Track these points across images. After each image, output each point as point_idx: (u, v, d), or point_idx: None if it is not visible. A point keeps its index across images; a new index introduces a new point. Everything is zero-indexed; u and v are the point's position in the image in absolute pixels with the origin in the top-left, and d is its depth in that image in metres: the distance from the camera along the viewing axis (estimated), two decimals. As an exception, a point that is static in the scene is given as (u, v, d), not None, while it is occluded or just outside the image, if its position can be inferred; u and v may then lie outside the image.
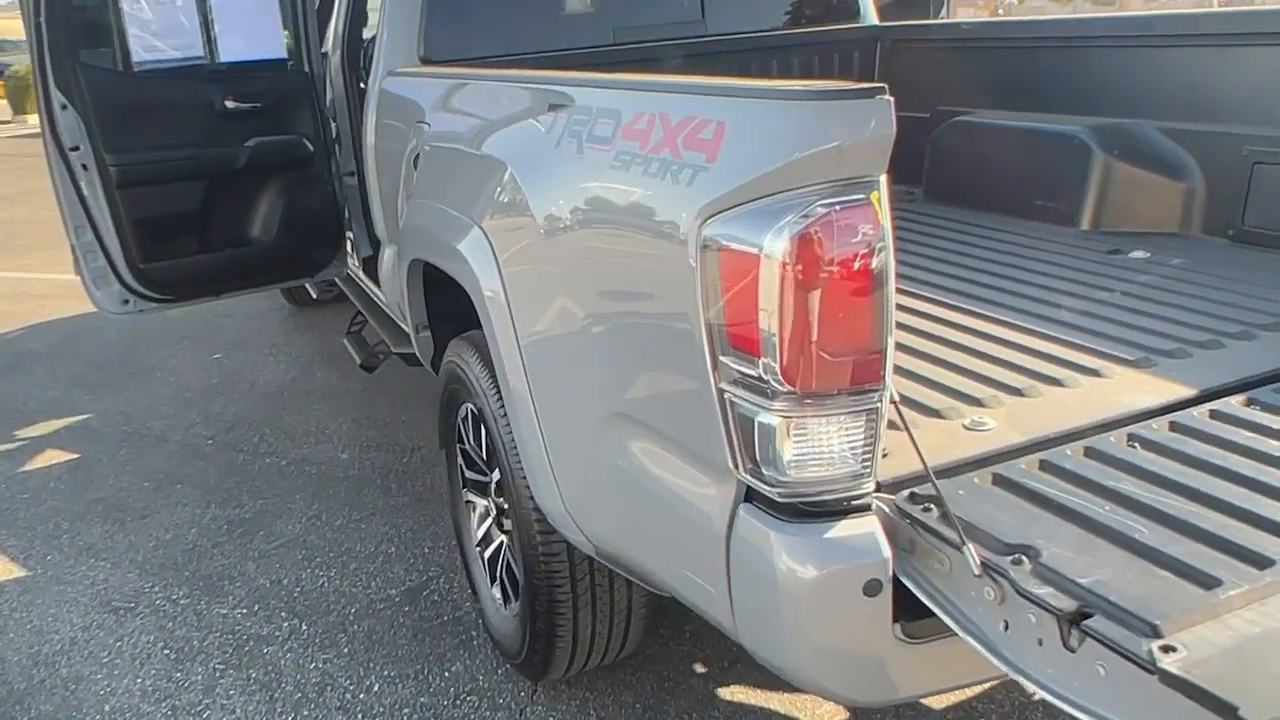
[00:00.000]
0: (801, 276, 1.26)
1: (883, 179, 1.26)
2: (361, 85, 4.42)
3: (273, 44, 3.95)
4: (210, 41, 3.84)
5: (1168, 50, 2.97)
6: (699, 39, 3.67)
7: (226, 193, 3.94)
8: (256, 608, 3.01)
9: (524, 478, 2.20)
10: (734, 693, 2.54)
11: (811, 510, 1.37)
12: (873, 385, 1.32)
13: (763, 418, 1.34)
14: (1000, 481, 1.48)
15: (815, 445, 1.34)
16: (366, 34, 4.20)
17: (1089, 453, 1.56)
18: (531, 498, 2.19)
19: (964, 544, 1.29)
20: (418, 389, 4.55)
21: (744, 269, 1.31)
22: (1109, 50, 3.18)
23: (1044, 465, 1.53)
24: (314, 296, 5.06)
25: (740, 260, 1.31)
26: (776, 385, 1.31)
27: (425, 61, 3.10)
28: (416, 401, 4.49)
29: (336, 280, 4.45)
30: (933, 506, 1.41)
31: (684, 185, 1.42)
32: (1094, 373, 1.86)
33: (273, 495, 3.72)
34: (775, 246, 1.27)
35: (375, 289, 4.02)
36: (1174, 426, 1.63)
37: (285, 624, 2.92)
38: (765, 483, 1.38)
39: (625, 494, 1.77)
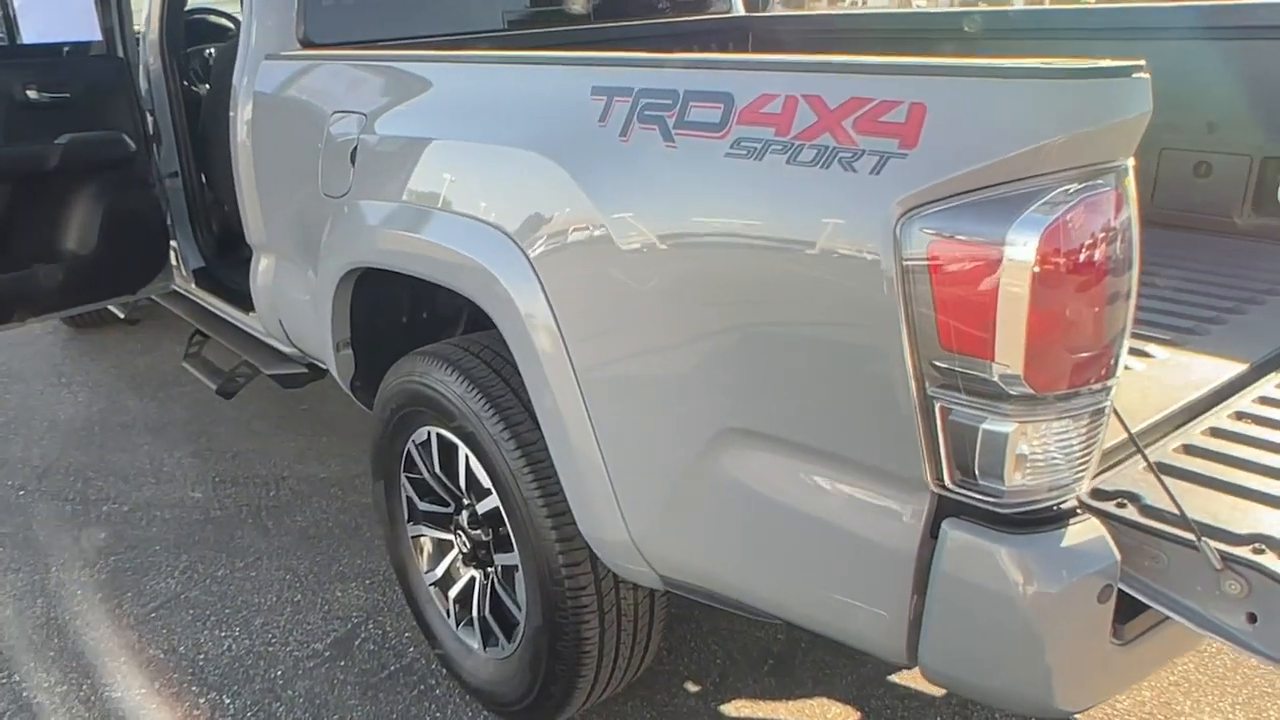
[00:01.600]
0: (1051, 270, 1.17)
1: (1130, 163, 1.19)
2: (188, 79, 3.91)
3: (84, 24, 3.40)
4: (9, 20, 3.25)
5: (1056, 43, 3.12)
6: (583, 28, 3.51)
7: (32, 199, 3.36)
8: (158, 685, 2.56)
9: (544, 507, 1.98)
10: (738, 708, 2.43)
11: (1029, 519, 1.29)
12: (1108, 381, 1.25)
13: (990, 424, 1.23)
14: (1164, 470, 1.46)
15: (1045, 449, 1.25)
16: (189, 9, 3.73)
17: (1214, 432, 1.57)
18: (556, 528, 1.98)
19: (1200, 539, 1.25)
20: (263, 412, 4.10)
21: (976, 264, 1.19)
22: (980, 42, 3.31)
23: (1186, 449, 1.53)
24: (122, 317, 4.41)
25: (971, 254, 1.20)
26: (1013, 388, 1.21)
27: (306, 45, 2.74)
28: (264, 426, 4.03)
29: (155, 297, 3.91)
30: (1126, 502, 1.36)
31: (866, 174, 1.29)
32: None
33: (126, 549, 3.20)
34: (1021, 239, 1.17)
35: (224, 305, 3.56)
36: (1262, 400, 1.68)
37: (202, 700, 2.50)
38: (981, 494, 1.28)
39: (738, 517, 1.61)
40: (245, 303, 3.42)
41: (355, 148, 2.26)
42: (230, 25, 4.67)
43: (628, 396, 1.69)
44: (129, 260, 3.61)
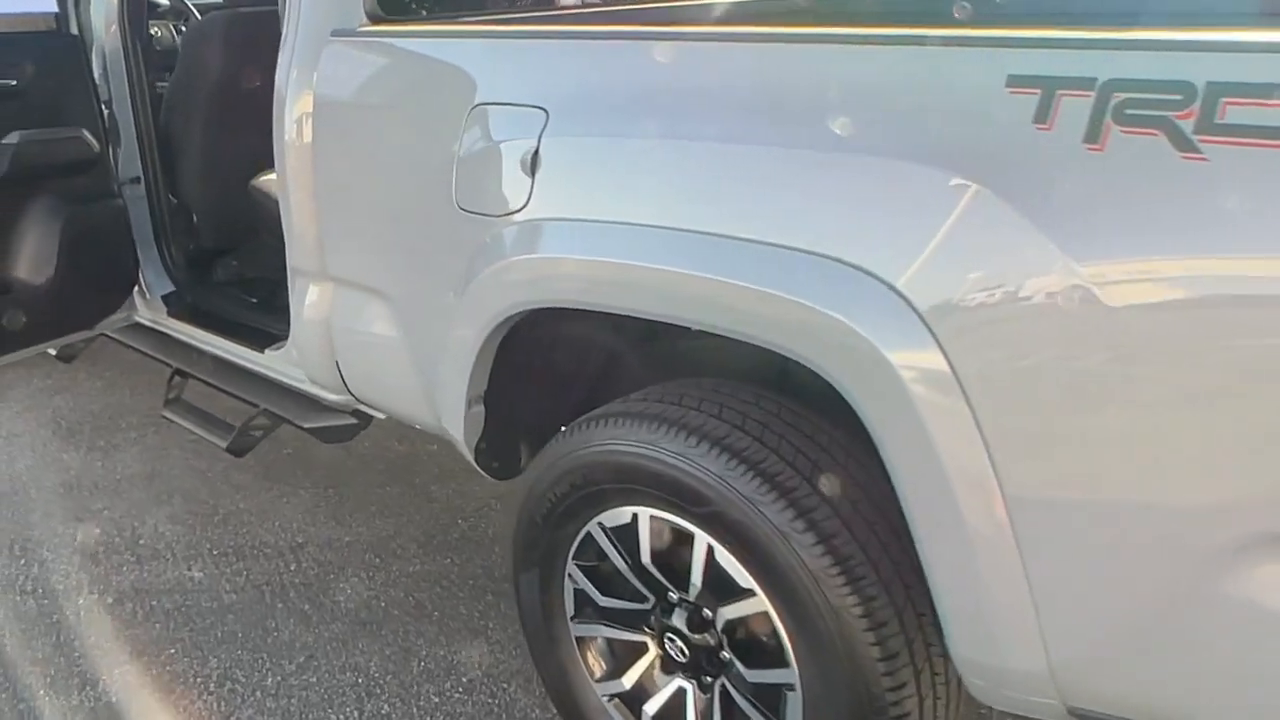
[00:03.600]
0: None
1: None
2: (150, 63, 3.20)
3: (36, -10, 2.68)
4: (-57, -15, 2.52)
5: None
6: None
7: (-27, 215, 2.63)
8: None
9: (863, 617, 1.55)
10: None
11: None
12: None
13: None
14: None
15: None
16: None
17: None
18: (878, 643, 1.55)
19: None
20: (237, 460, 3.40)
21: None
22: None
23: None
24: (53, 353, 3.59)
25: None
26: None
27: (378, 20, 2.17)
28: (247, 478, 3.36)
29: (111, 333, 3.19)
30: None
31: None
32: None
33: (131, 657, 2.54)
34: None
35: (215, 340, 2.91)
36: None
37: None
38: None
39: (1245, 642, 1.22)
40: (251, 337, 2.79)
41: (534, 152, 1.74)
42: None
43: (1095, 506, 1.27)
44: (91, 288, 2.90)
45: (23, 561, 2.95)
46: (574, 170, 1.72)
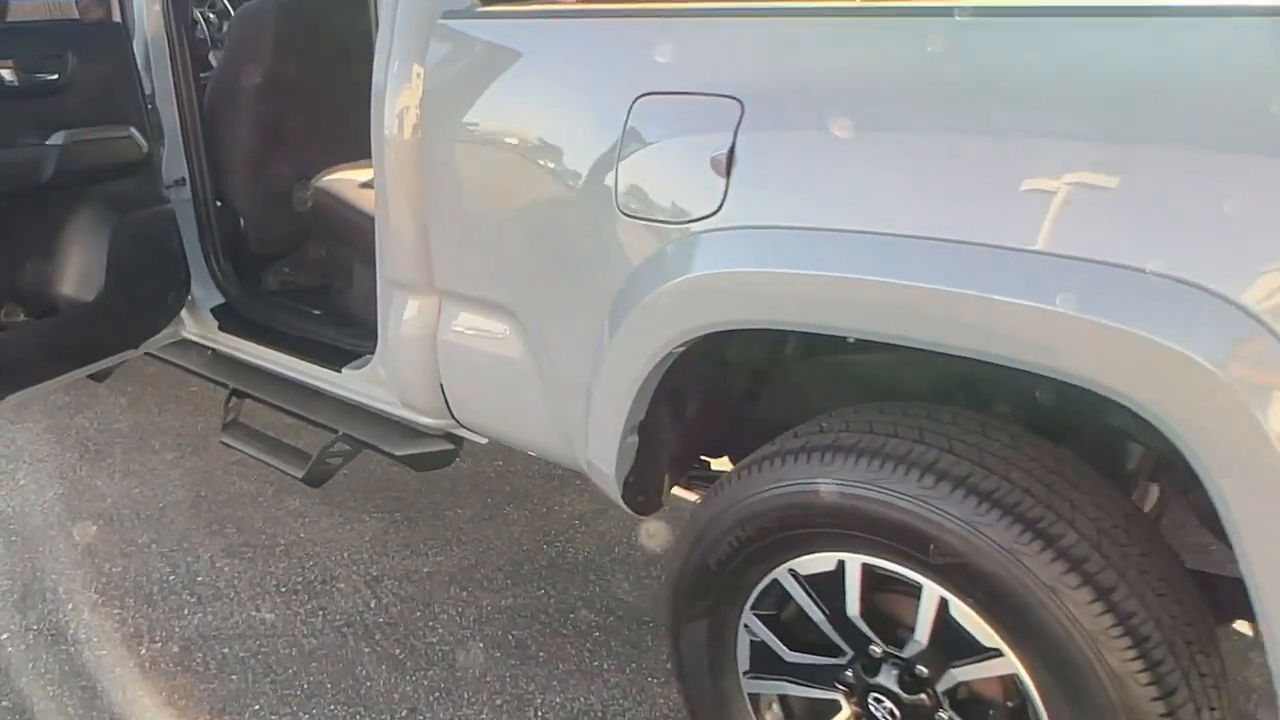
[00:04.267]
0: None
1: None
2: (197, 41, 2.93)
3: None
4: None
5: None
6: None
7: (15, 225, 2.36)
8: None
9: (1150, 683, 1.34)
10: None
11: None
12: None
13: None
14: None
15: None
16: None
17: None
18: (1169, 713, 1.34)
19: None
20: (283, 480, 3.11)
21: None
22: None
23: None
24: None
25: None
26: None
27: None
28: (301, 502, 3.10)
29: (155, 352, 2.92)
30: None
31: None
32: None
33: (210, 715, 2.28)
34: None
35: (280, 358, 2.65)
36: None
37: None
38: None
39: None
40: (322, 354, 2.54)
41: (730, 149, 1.50)
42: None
43: None
44: (141, 304, 2.63)
45: (70, 606, 2.68)
46: (786, 169, 1.48)
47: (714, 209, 1.52)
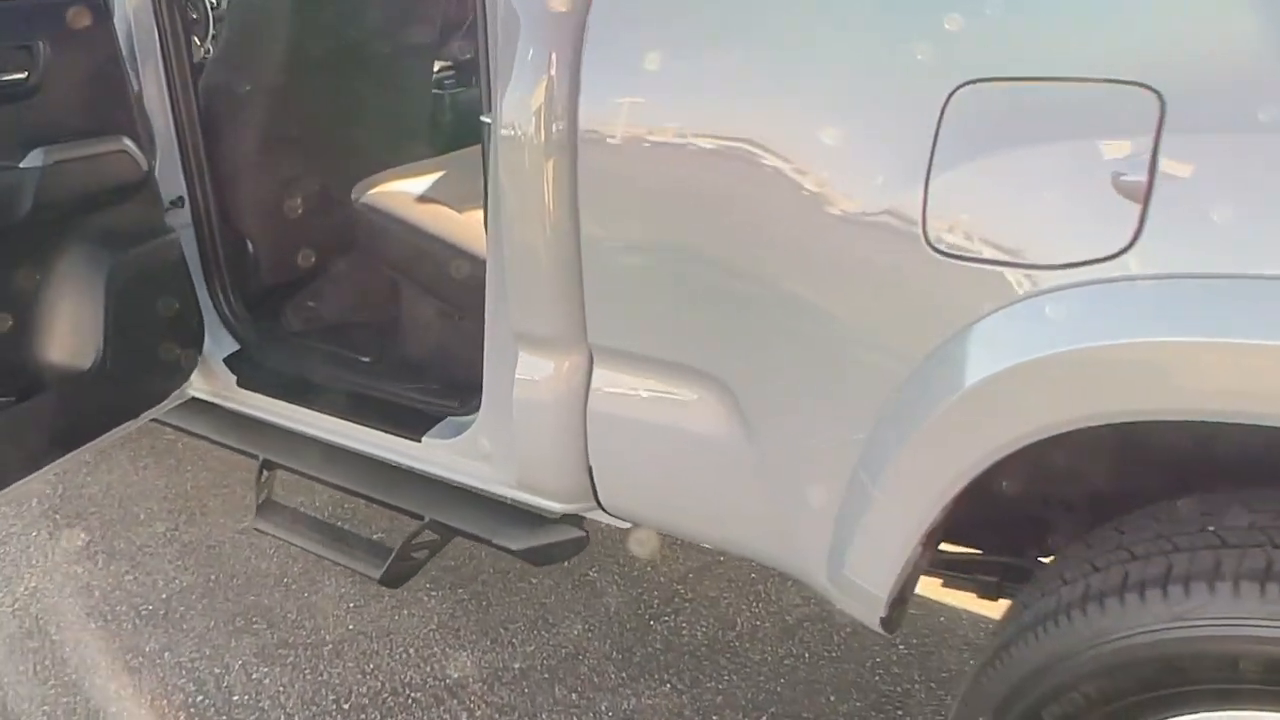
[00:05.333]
0: None
1: None
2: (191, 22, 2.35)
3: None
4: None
5: None
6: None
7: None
8: None
9: None
10: None
11: None
12: None
13: None
14: None
15: None
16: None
17: None
18: None
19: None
20: (325, 564, 2.58)
21: None
22: None
23: None
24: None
25: None
26: None
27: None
28: (343, 585, 2.55)
29: (160, 418, 2.33)
30: None
31: None
32: None
33: None
34: None
35: (326, 422, 2.11)
36: None
37: None
38: None
39: None
40: (386, 416, 2.01)
41: (1151, 160, 1.02)
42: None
43: None
44: (148, 364, 2.05)
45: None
46: (1243, 191, 1.00)
47: (1119, 248, 1.05)
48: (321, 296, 2.50)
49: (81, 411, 1.91)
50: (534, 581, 2.56)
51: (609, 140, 1.42)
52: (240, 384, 2.23)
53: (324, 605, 2.50)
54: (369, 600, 2.50)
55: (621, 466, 1.64)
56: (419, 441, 1.94)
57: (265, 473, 2.22)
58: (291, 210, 2.41)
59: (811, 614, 2.42)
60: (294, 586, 2.57)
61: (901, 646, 2.31)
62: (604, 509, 1.73)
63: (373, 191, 2.19)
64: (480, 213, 2.14)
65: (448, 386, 2.02)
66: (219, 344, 2.28)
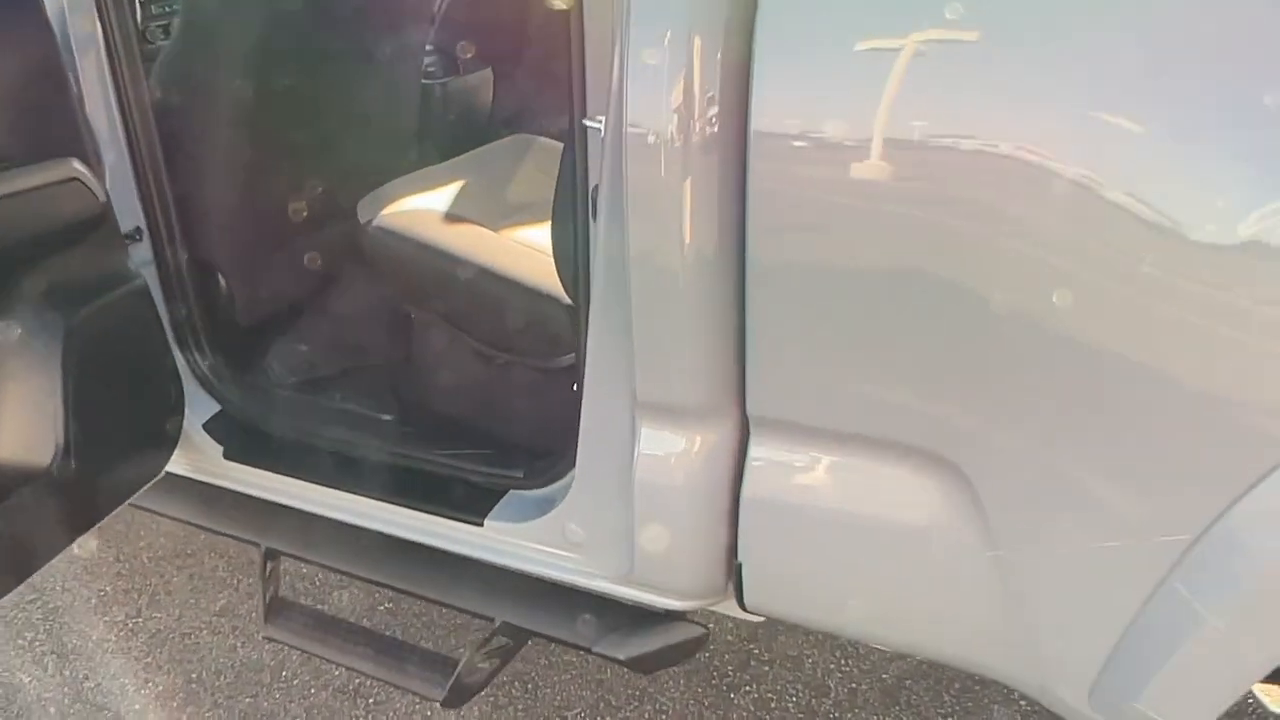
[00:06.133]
0: None
1: None
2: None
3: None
4: None
5: None
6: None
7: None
8: None
9: None
10: None
11: None
12: None
13: None
14: None
15: None
16: None
17: None
18: None
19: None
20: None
21: None
22: None
23: None
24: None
25: None
26: None
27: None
28: (365, 681, 2.13)
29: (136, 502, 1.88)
30: None
31: None
32: None
33: None
34: None
35: (374, 508, 1.71)
36: None
37: None
38: None
39: None
40: (437, 495, 1.63)
41: None
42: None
43: None
44: (125, 446, 1.61)
45: None
46: None
47: None
48: (313, 339, 2.06)
49: (45, 521, 1.46)
50: (582, 654, 2.19)
51: (795, 144, 1.05)
52: (228, 455, 1.80)
53: (334, 703, 2.09)
54: (389, 695, 2.09)
55: (786, 563, 1.28)
56: (480, 525, 1.55)
57: (269, 564, 1.79)
58: (271, 235, 1.98)
59: (909, 669, 2.11)
60: (296, 682, 2.15)
61: (1023, 702, 2.02)
62: (744, 607, 1.38)
63: (386, 211, 1.76)
64: (521, 232, 1.76)
65: (502, 451, 1.63)
66: (195, 406, 1.84)
